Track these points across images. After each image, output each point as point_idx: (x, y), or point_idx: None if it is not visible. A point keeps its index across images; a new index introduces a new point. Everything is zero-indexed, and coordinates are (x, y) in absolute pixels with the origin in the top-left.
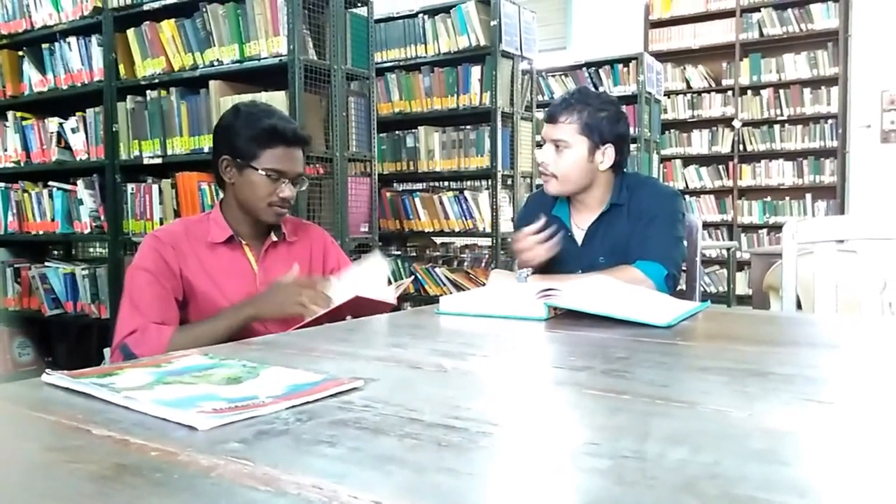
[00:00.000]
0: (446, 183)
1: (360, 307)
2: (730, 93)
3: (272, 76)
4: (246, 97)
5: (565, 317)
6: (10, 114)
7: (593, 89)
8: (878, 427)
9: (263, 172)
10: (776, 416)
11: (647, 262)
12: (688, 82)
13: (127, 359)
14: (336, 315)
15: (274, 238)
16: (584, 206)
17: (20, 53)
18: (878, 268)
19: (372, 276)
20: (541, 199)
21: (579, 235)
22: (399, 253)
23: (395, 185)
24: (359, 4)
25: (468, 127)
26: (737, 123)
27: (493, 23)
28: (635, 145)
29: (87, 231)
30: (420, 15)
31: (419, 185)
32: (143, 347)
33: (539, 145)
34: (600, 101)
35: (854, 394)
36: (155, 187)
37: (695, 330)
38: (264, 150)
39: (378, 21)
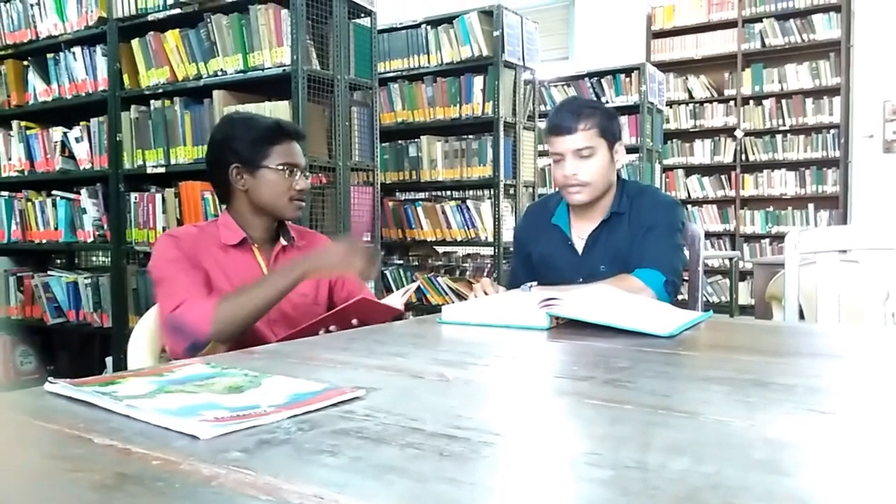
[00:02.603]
0: (448, 192)
1: (366, 311)
2: (732, 103)
3: (276, 86)
4: (249, 107)
5: (567, 326)
6: (14, 123)
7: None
8: (881, 438)
9: (281, 167)
10: (778, 427)
11: (646, 270)
12: (690, 92)
13: (176, 332)
14: (342, 318)
15: (283, 242)
16: (585, 215)
17: (25, 63)
18: (881, 278)
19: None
20: (539, 209)
21: (579, 245)
22: (401, 262)
23: (397, 194)
24: (362, 15)
25: (470, 136)
26: (739, 133)
27: (495, 33)
28: (637, 155)
29: (90, 240)
30: (423, 25)
31: (421, 195)
32: (190, 315)
33: (543, 155)
34: (600, 104)
35: (856, 404)
36: (158, 196)
37: (697, 340)
38: (273, 147)
39: (381, 31)
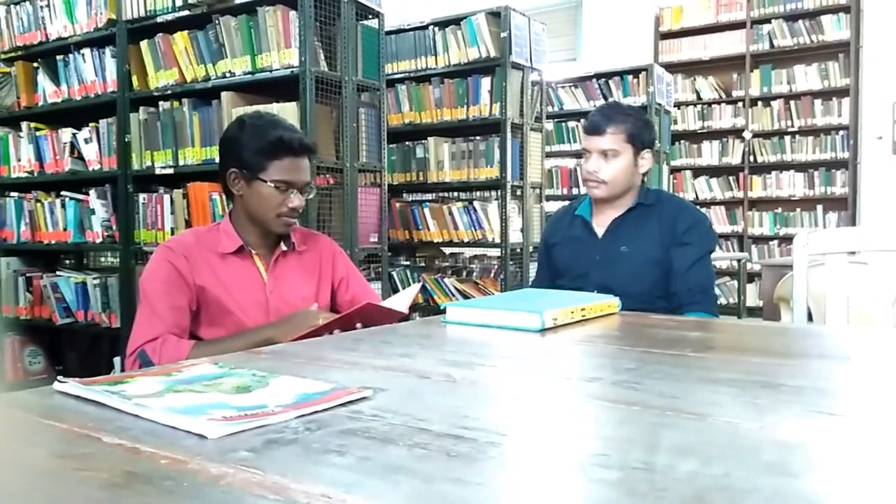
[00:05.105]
0: (456, 193)
1: (371, 316)
2: (740, 104)
3: (284, 87)
4: (257, 108)
5: (572, 328)
6: (24, 124)
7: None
8: (890, 440)
9: (272, 184)
10: (787, 429)
11: (701, 313)
12: (698, 93)
13: (144, 365)
14: (347, 323)
15: (283, 248)
16: (608, 208)
17: (35, 65)
18: (890, 279)
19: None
20: (564, 209)
21: (600, 231)
22: (408, 263)
23: (404, 195)
24: (370, 17)
25: (478, 138)
26: (747, 135)
27: (503, 34)
28: None
29: (98, 240)
30: (431, 27)
31: (429, 196)
32: (163, 357)
33: (578, 156)
34: (636, 112)
35: (865, 406)
36: (167, 197)
37: (705, 341)
38: (272, 162)
39: (389, 33)
